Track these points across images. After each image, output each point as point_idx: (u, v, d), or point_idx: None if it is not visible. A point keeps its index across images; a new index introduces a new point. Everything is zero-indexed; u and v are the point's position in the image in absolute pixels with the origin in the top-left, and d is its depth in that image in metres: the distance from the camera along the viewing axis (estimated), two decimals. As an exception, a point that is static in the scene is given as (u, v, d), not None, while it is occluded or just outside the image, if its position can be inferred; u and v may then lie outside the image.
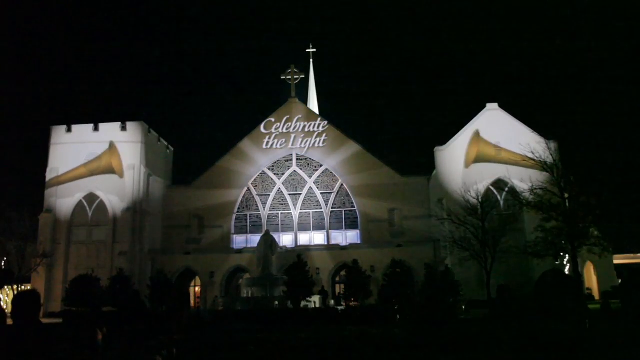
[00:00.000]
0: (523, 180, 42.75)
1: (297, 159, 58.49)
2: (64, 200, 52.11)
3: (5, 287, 50.91)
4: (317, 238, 56.64)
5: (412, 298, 37.97)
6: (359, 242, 54.65)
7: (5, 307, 43.18)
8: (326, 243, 55.43)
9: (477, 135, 49.48)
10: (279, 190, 57.93)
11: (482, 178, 47.22)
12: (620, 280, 45.02)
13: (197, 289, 55.24)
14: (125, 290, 39.58)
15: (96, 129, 53.86)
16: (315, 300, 38.89)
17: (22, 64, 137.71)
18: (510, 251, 44.03)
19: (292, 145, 58.16)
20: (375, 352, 17.38)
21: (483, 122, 49.92)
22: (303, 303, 37.53)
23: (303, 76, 61.49)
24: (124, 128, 53.68)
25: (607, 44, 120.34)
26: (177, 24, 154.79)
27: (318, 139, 57.74)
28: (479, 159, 48.90)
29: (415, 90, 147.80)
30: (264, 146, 58.21)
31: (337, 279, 52.56)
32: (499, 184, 47.67)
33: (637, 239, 44.87)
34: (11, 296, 47.54)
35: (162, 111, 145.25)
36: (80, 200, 52.47)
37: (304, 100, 70.12)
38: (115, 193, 52.08)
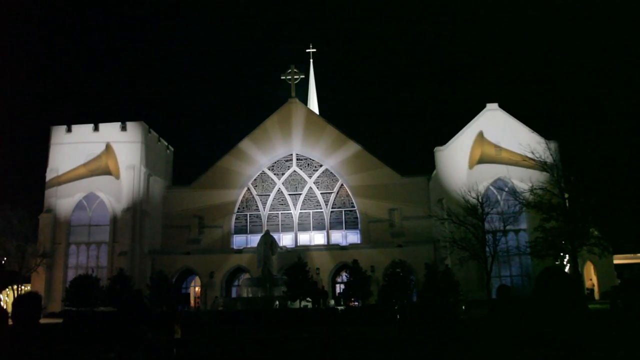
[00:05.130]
0: (523, 180, 42.76)
1: (297, 159, 58.52)
2: (64, 200, 52.08)
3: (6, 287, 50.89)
4: (317, 238, 56.67)
5: (412, 298, 37.96)
6: (359, 242, 54.66)
7: (5, 306, 43.19)
8: (326, 243, 55.44)
9: (477, 135, 49.45)
10: (279, 190, 57.96)
11: (482, 178, 47.22)
12: (619, 281, 45.03)
13: (197, 289, 55.26)
14: (126, 290, 39.60)
15: (96, 129, 53.82)
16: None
17: (22, 64, 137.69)
18: (510, 251, 44.11)
19: (292, 145, 58.19)
20: (375, 352, 17.38)
21: (483, 122, 49.88)
22: (303, 303, 37.57)
23: (303, 76, 61.48)
24: (124, 128, 53.65)
25: (607, 43, 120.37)
26: (177, 24, 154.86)
27: (318, 139, 57.74)
28: (479, 159, 48.88)
29: (416, 90, 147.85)
30: (264, 146, 58.22)
31: (337, 279, 52.60)
32: (499, 184, 47.66)
33: (637, 239, 44.83)
34: (11, 296, 47.50)
35: (162, 111, 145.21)
36: (80, 200, 52.42)
37: (304, 100, 70.13)
38: (115, 193, 52.06)
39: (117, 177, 52.17)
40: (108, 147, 52.73)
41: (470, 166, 48.69)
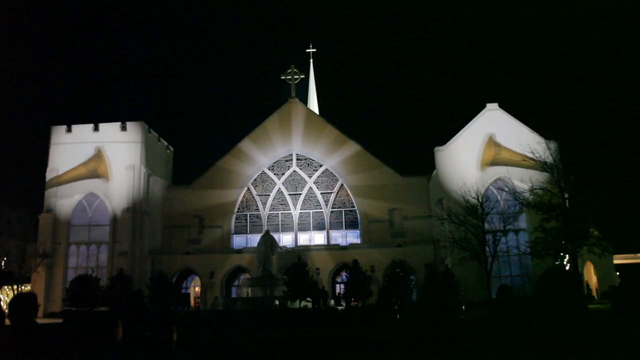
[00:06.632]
0: (523, 180, 42.73)
1: (297, 159, 58.50)
2: (64, 200, 52.08)
3: (5, 287, 50.95)
4: (317, 238, 56.65)
5: (412, 298, 37.91)
6: (359, 242, 54.65)
7: (4, 306, 43.27)
8: (326, 243, 55.42)
9: (477, 135, 49.45)
10: (279, 190, 57.95)
11: (482, 178, 47.20)
12: (619, 281, 44.99)
13: (197, 289, 55.26)
14: (126, 290, 39.62)
15: (96, 129, 53.84)
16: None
17: (22, 63, 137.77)
18: (510, 251, 44.10)
19: (292, 145, 58.18)
20: (375, 352, 17.36)
21: (483, 122, 49.87)
22: (303, 303, 37.53)
23: (303, 76, 61.50)
24: (124, 128, 53.66)
25: (607, 43, 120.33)
26: (177, 24, 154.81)
27: (318, 139, 57.73)
28: (479, 159, 48.86)
29: (416, 90, 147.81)
30: (264, 146, 58.21)
31: (337, 279, 52.58)
32: (499, 184, 47.64)
33: (637, 239, 44.84)
34: (11, 296, 47.51)
35: (162, 111, 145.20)
36: (80, 200, 52.43)
37: (304, 100, 70.12)
38: (115, 193, 52.06)
39: (119, 176, 52.13)
40: (111, 146, 52.77)
41: (470, 166, 48.67)
